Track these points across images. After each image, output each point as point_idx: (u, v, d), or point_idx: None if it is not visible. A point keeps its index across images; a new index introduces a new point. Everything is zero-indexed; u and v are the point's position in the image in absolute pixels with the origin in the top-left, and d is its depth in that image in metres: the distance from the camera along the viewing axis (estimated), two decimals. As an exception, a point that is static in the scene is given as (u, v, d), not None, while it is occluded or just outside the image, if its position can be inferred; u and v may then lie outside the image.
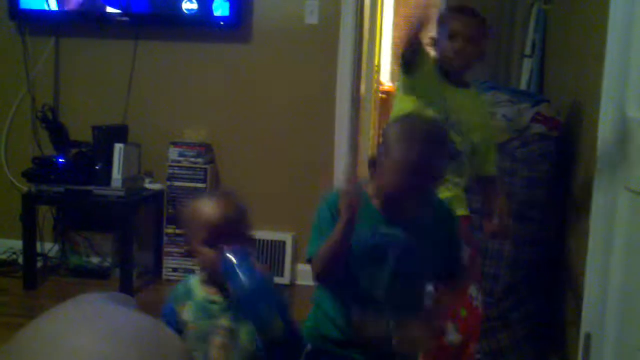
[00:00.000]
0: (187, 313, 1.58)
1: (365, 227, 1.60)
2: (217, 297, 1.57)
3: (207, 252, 1.54)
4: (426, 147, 1.57)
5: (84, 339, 0.67)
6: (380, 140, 1.67)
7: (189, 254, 1.69)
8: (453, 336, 2.20)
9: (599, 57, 2.21)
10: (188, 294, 1.60)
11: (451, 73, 2.24)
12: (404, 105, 2.20)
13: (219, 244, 1.52)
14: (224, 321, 1.55)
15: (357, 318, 1.64)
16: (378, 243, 1.61)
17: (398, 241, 1.61)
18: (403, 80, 2.21)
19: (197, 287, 1.61)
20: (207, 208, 1.58)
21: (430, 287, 1.82)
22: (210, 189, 1.60)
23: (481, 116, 2.32)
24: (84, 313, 0.73)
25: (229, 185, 3.99)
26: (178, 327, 1.54)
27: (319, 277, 1.67)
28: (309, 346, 1.70)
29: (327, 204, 1.65)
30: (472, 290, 2.24)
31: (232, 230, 1.54)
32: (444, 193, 2.20)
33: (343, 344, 1.66)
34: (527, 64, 3.28)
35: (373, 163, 1.64)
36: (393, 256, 1.61)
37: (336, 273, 1.63)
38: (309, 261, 1.66)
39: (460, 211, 2.27)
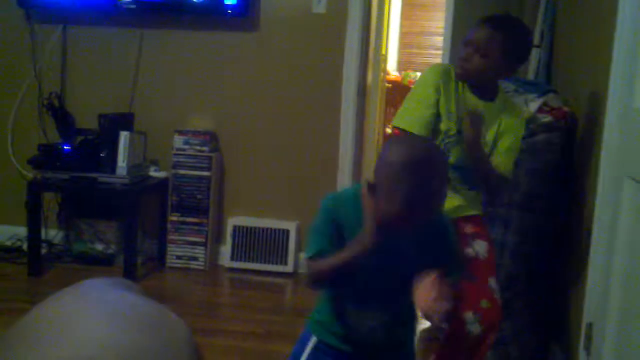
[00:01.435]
0: None
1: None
2: None
3: None
4: (423, 181, 1.45)
5: (89, 323, 0.67)
6: (377, 157, 1.57)
7: None
8: (473, 327, 2.20)
9: (608, 48, 2.20)
10: None
11: (474, 87, 2.19)
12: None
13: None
14: None
15: (353, 319, 1.64)
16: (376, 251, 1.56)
17: (396, 250, 1.58)
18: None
19: None
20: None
21: None
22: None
23: (500, 131, 2.21)
24: (88, 297, 0.72)
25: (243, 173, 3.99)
26: None
27: (312, 284, 1.69)
28: (314, 338, 1.71)
29: (326, 208, 1.63)
30: (492, 282, 2.23)
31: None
32: (455, 200, 2.21)
33: (346, 339, 1.67)
34: (536, 54, 3.27)
35: (373, 187, 1.52)
36: (389, 263, 1.58)
37: (332, 285, 1.65)
38: (309, 258, 1.65)
39: (474, 211, 2.28)
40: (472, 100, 2.19)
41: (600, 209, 2.21)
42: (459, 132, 2.17)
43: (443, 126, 2.17)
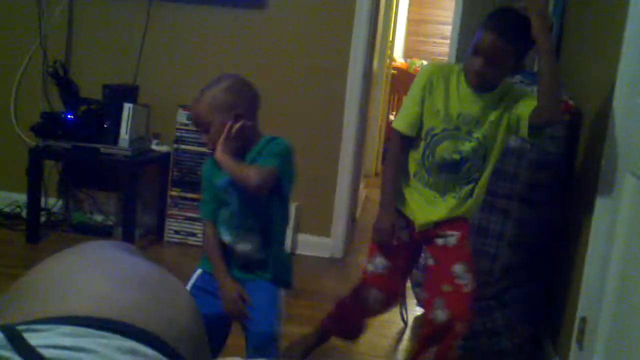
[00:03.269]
0: None
1: (220, 175, 1.97)
2: None
3: None
4: (199, 105, 1.98)
5: (90, 280, 0.68)
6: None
7: None
8: (438, 312, 2.21)
9: (616, 42, 2.20)
10: None
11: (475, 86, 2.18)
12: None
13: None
14: None
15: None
16: (226, 187, 1.97)
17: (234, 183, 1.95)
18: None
19: None
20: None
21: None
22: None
23: (490, 113, 2.18)
24: (90, 256, 0.74)
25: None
26: None
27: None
28: (199, 270, 2.06)
29: (203, 171, 2.08)
30: (457, 268, 2.23)
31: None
32: (440, 210, 2.22)
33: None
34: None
35: None
36: (236, 194, 1.97)
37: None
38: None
39: (459, 214, 2.27)
40: (470, 96, 2.17)
41: (600, 203, 2.21)
42: (457, 128, 2.17)
43: (427, 124, 2.20)
